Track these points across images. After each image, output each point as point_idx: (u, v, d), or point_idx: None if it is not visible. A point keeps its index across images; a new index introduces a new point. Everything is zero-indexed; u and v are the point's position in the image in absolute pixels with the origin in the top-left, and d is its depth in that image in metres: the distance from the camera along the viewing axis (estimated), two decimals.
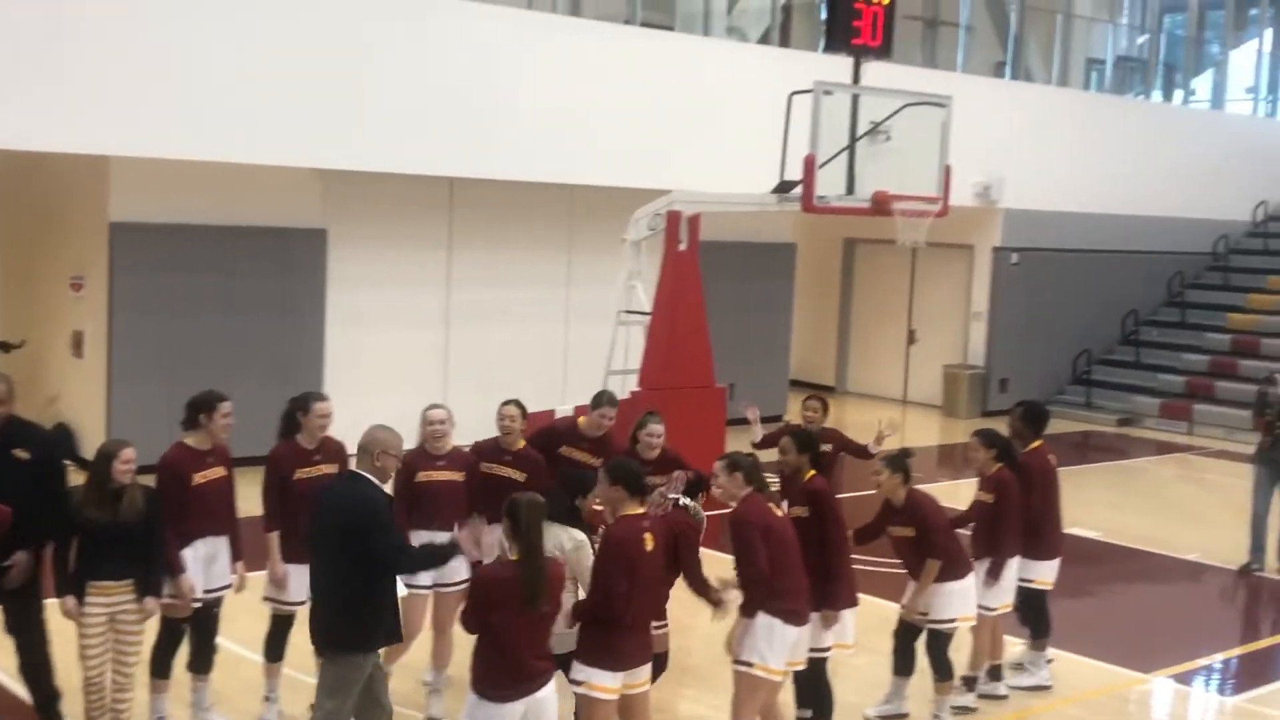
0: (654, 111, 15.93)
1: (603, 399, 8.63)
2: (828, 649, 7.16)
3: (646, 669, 6.28)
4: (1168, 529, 13.81)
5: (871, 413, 20.28)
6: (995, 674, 8.54)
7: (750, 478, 6.68)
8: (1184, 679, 9.38)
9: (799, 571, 6.69)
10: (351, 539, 5.90)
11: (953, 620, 7.86)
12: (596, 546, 6.40)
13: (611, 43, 15.97)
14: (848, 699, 7.80)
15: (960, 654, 8.16)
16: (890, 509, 7.79)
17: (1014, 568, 8.33)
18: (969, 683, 8.26)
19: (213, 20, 12.86)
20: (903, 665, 8.02)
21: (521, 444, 8.06)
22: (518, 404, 8.10)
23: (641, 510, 6.31)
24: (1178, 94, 25.96)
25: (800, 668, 6.93)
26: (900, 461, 7.78)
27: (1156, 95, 25.50)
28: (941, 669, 7.90)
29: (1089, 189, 21.23)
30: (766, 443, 9.61)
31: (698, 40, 17.48)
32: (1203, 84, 27.16)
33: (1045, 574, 8.75)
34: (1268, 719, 8.76)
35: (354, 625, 5.99)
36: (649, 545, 6.18)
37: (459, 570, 7.63)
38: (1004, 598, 8.26)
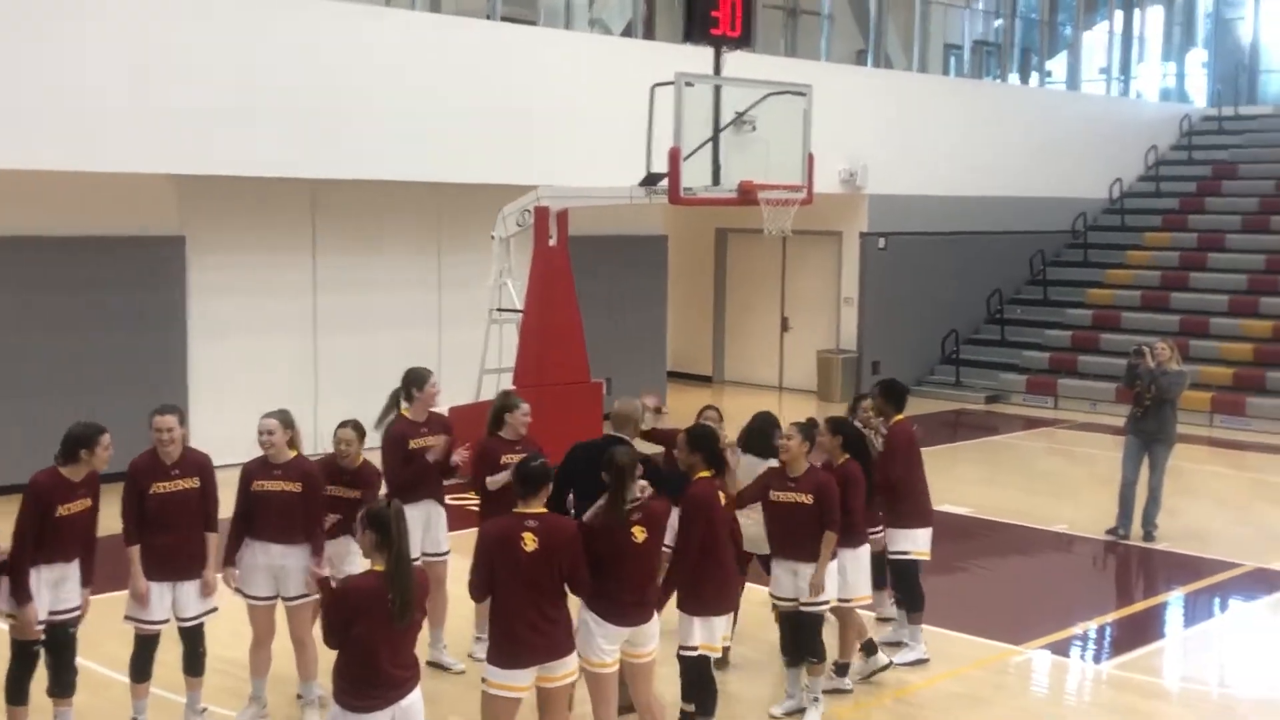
0: (518, 106, 15.81)
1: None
2: (695, 648, 7.13)
3: (565, 663, 6.31)
4: (1037, 502, 14.11)
5: (749, 401, 20.48)
6: (869, 649, 8.60)
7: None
8: (1057, 648, 9.57)
9: (633, 577, 6.63)
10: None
11: (828, 602, 7.90)
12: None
13: (473, 37, 15.82)
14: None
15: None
16: (783, 475, 7.76)
17: (863, 559, 8.32)
18: (842, 669, 8.32)
19: (54, 25, 12.43)
20: (795, 656, 8.00)
21: (360, 460, 7.94)
22: (355, 426, 7.91)
23: (532, 510, 6.27)
24: (1034, 76, 26.57)
25: (647, 659, 6.84)
26: (810, 430, 7.82)
27: (1014, 78, 26.08)
28: (816, 651, 7.92)
29: (951, 172, 21.63)
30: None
31: (560, 34, 17.41)
32: (1058, 66, 27.83)
33: (920, 544, 8.89)
34: (1138, 684, 8.97)
35: None
36: (529, 545, 6.16)
37: (302, 583, 7.56)
38: (860, 590, 8.27)
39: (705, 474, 7.17)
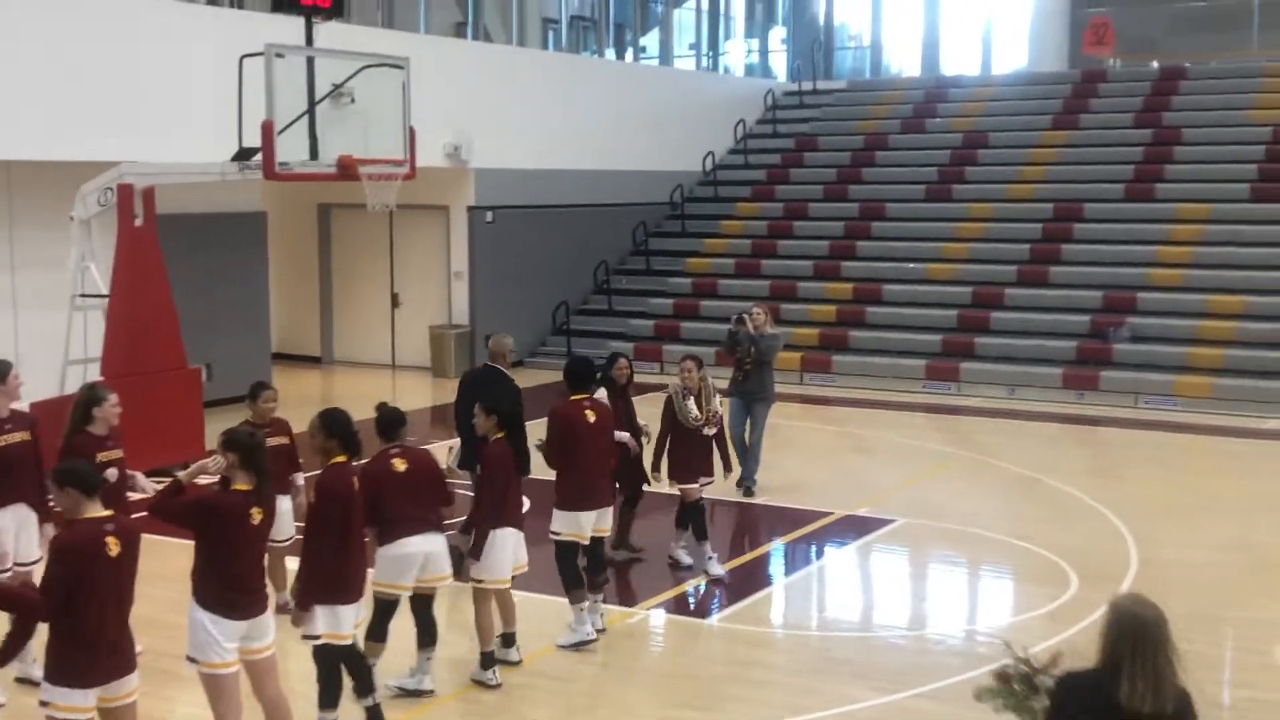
0: (97, 77, 14.76)
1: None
2: (317, 637, 6.96)
3: (128, 681, 5.90)
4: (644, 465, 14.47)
5: (362, 381, 20.11)
6: (508, 641, 8.46)
7: (245, 462, 6.35)
8: (670, 606, 9.91)
9: (253, 566, 6.46)
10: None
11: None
12: None
13: (45, 2, 14.61)
14: None
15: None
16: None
17: (506, 542, 8.25)
18: (487, 658, 8.19)
19: None
20: (427, 637, 7.90)
21: None
22: None
23: (106, 513, 5.83)
24: (629, 52, 27.34)
25: (268, 654, 6.57)
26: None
27: (610, 53, 26.73)
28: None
29: (555, 146, 21.93)
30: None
31: (143, 0, 16.35)
32: (651, 42, 28.78)
33: (574, 525, 8.74)
34: (745, 634, 9.41)
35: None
36: (113, 550, 5.74)
37: None
38: (497, 572, 8.18)
39: (341, 459, 6.98)
